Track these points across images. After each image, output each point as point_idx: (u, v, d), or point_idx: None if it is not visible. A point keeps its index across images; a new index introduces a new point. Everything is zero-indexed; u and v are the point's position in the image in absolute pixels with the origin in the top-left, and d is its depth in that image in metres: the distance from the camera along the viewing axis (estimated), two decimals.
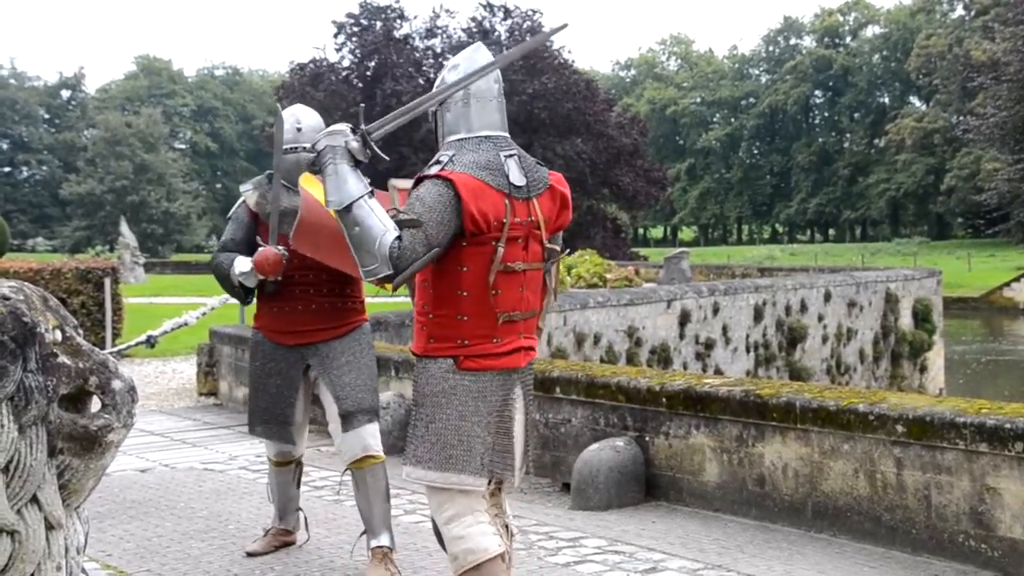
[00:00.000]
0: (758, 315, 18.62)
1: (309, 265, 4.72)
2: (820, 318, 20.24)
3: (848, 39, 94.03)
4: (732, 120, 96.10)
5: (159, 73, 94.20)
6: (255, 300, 5.05)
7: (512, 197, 3.44)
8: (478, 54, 3.63)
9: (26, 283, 2.35)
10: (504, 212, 3.40)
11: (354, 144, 3.45)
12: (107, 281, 14.18)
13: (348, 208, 3.35)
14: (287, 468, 5.18)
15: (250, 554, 5.14)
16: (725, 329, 17.87)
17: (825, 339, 20.35)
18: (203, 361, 11.08)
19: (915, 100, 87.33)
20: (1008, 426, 4.76)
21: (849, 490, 5.36)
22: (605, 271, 21.25)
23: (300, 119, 4.98)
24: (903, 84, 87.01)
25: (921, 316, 23.24)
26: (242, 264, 4.81)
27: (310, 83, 46.82)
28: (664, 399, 6.22)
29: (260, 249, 4.77)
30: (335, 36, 48.76)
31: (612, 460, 6.21)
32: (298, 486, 5.25)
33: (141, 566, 5.04)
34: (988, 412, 4.92)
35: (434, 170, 3.41)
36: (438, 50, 49.83)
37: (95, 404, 2.41)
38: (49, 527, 2.26)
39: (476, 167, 3.40)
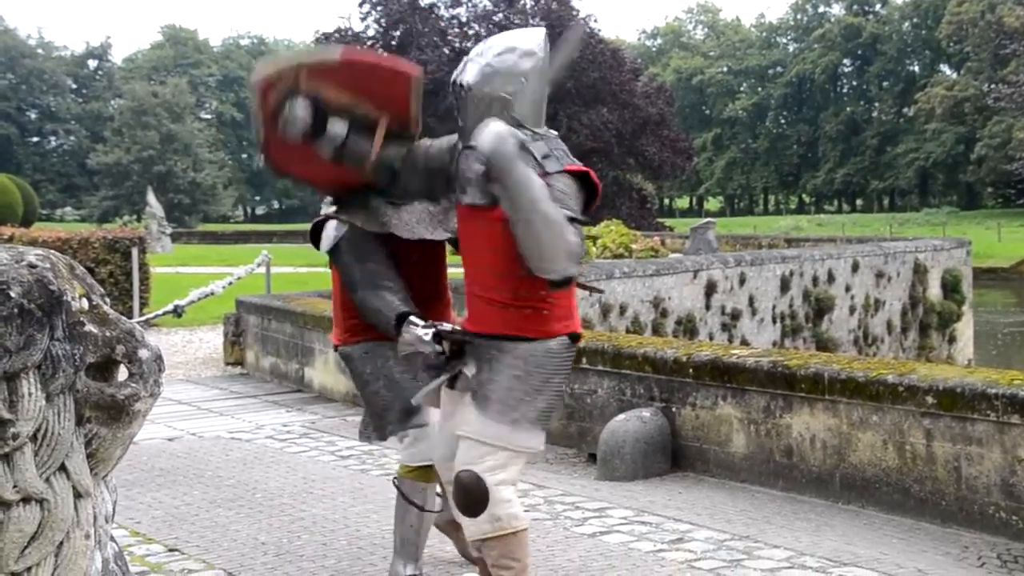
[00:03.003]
0: (785, 286, 18.51)
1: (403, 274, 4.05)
2: (847, 289, 20.10)
3: (878, 6, 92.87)
4: (759, 89, 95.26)
5: (185, 43, 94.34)
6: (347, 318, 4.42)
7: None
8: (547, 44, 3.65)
9: (52, 251, 2.34)
10: None
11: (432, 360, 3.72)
12: (134, 251, 14.27)
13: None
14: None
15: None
16: (751, 300, 17.78)
17: (852, 310, 20.22)
18: (229, 331, 11.13)
19: (946, 68, 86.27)
20: None
21: (878, 461, 5.32)
22: (631, 241, 21.16)
23: None
24: (933, 52, 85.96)
25: (950, 287, 23.04)
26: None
27: None
28: (691, 370, 6.19)
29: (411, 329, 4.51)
30: (360, 5, 48.60)
31: (638, 431, 6.19)
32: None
33: (169, 534, 5.08)
34: (1021, 383, 4.86)
35: (563, 164, 3.51)
36: (463, 19, 49.61)
37: (122, 373, 2.41)
38: (77, 495, 2.26)
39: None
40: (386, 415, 4.24)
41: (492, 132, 3.33)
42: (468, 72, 3.56)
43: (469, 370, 3.59)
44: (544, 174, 3.39)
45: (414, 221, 4.06)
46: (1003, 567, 4.58)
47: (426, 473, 4.13)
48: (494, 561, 3.50)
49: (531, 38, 3.61)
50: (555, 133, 3.67)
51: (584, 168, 3.52)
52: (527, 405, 3.49)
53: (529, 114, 3.56)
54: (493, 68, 3.51)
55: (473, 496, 3.48)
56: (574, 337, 3.62)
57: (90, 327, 2.29)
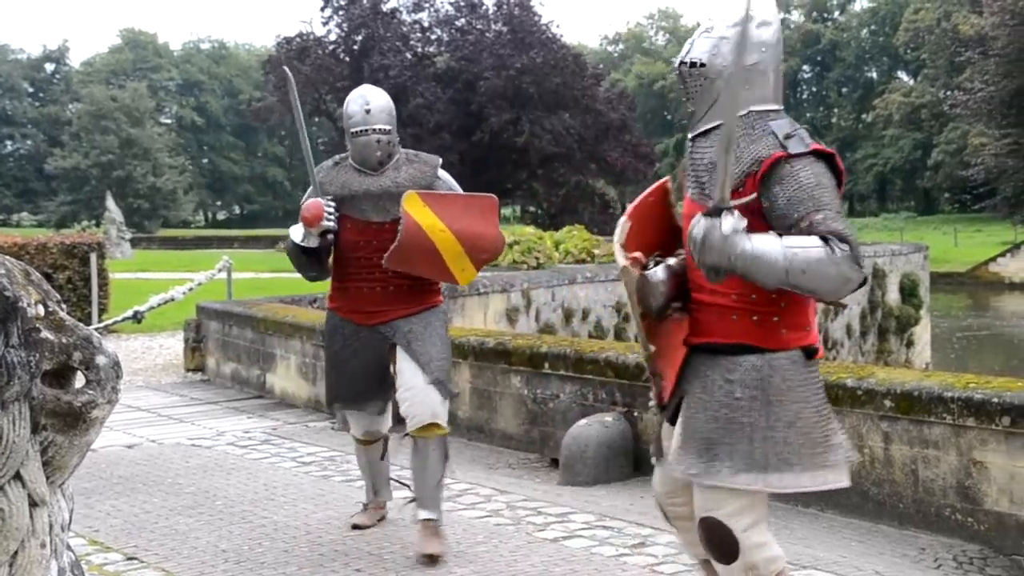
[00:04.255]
0: None
1: (386, 247, 4.69)
2: None
3: (836, 13, 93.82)
4: None
5: (144, 47, 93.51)
6: (331, 282, 5.04)
7: None
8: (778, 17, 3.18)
9: (8, 257, 2.31)
10: None
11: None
12: (93, 256, 14.12)
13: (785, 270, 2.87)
14: (375, 446, 5.13)
15: (355, 527, 5.11)
16: None
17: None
18: (190, 336, 11.05)
19: (903, 75, 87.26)
20: (995, 400, 4.77)
21: None
22: (593, 246, 21.22)
23: (369, 101, 4.92)
24: (891, 59, 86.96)
25: (908, 291, 23.31)
26: (296, 230, 4.84)
27: (297, 57, 46.50)
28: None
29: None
30: (322, 10, 48.38)
31: (600, 435, 6.21)
32: (382, 458, 5.18)
33: (128, 542, 5.03)
34: (975, 386, 4.93)
35: (802, 148, 2.97)
36: (426, 24, 49.53)
37: (79, 380, 2.39)
38: (33, 504, 2.24)
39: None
40: (329, 391, 5.08)
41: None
42: (697, 47, 3.15)
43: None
44: (787, 156, 2.95)
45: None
46: (959, 568, 4.64)
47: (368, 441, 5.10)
48: None
49: (765, 5, 3.13)
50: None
51: (829, 150, 3.03)
52: (775, 443, 2.99)
53: (772, 90, 3.11)
54: (729, 41, 3.07)
55: (723, 546, 3.08)
56: (809, 352, 3.08)
57: (46, 333, 2.27)
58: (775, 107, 3.09)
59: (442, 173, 5.00)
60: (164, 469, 6.61)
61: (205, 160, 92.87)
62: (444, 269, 4.72)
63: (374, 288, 4.84)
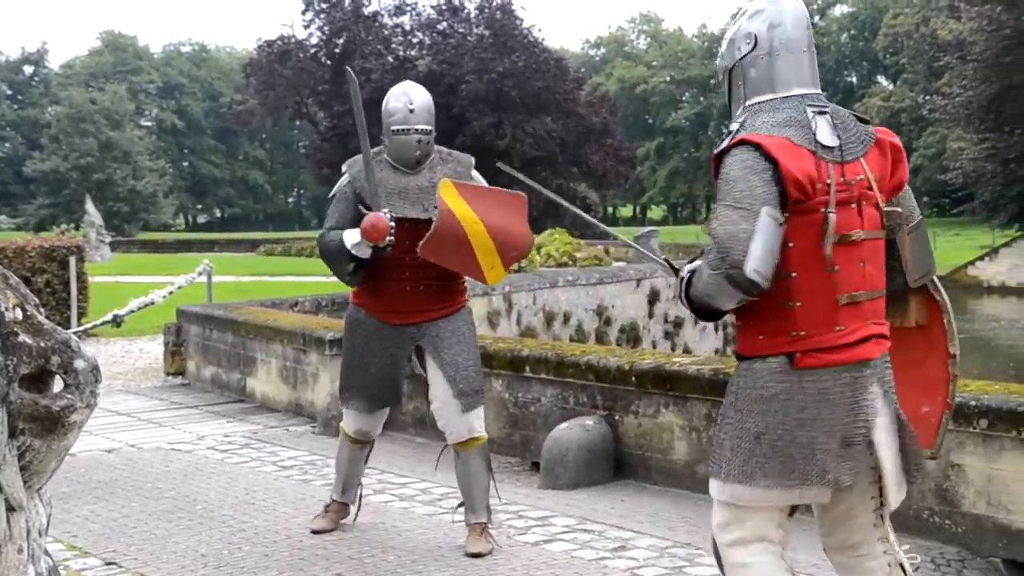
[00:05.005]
0: None
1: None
2: None
3: (816, 18, 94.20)
4: (701, 99, 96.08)
5: (124, 49, 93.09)
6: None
7: (822, 159, 2.86)
8: None
9: None
10: (823, 172, 2.84)
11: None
12: (72, 259, 14.04)
13: (686, 294, 3.00)
14: (363, 446, 5.15)
15: (315, 531, 5.12)
16: None
17: None
18: (170, 340, 11.00)
19: (882, 79, 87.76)
20: (973, 403, 4.80)
21: None
22: (575, 250, 21.26)
23: (412, 99, 4.92)
24: (871, 63, 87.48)
25: None
26: (351, 236, 4.76)
27: (278, 60, 46.50)
28: (633, 378, 6.23)
29: (366, 215, 4.72)
30: (303, 13, 48.42)
31: (581, 439, 6.21)
32: (365, 461, 5.24)
33: (107, 547, 5.01)
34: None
35: (725, 142, 2.93)
36: (407, 28, 49.58)
37: (58, 384, 2.38)
38: (10, 509, 2.23)
39: (773, 126, 2.88)
40: (342, 384, 5.09)
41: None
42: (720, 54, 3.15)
43: None
44: (718, 154, 2.94)
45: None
46: (937, 570, 4.67)
47: (358, 441, 5.11)
48: None
49: None
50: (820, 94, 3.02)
51: (754, 138, 2.86)
52: (744, 454, 2.90)
53: (780, 75, 2.98)
54: (728, 38, 3.10)
55: (716, 558, 3.07)
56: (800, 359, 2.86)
57: (24, 337, 2.26)
58: (769, 96, 2.99)
59: (475, 173, 5.01)
60: (143, 473, 6.58)
61: (185, 163, 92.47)
62: (474, 264, 4.67)
63: (404, 287, 4.84)
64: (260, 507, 5.70)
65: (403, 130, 4.87)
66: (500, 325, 14.96)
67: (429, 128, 4.92)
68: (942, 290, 3.20)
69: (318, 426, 7.98)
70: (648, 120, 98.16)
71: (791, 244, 2.83)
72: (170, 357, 11.02)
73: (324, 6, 47.71)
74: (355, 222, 4.81)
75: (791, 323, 2.86)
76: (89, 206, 36.05)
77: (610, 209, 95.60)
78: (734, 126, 2.98)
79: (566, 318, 16.08)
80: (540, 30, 60.65)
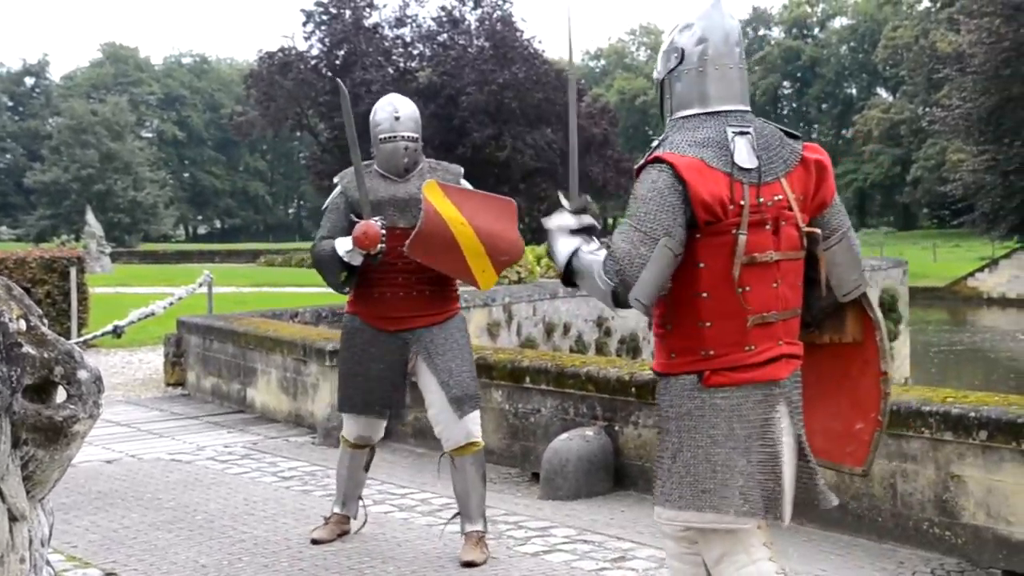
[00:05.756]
0: None
1: None
2: None
3: (816, 30, 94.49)
4: None
5: (125, 61, 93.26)
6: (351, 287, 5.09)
7: (737, 180, 2.87)
8: (716, 12, 3.04)
9: None
10: (737, 194, 2.85)
11: (565, 218, 3.18)
12: (72, 270, 14.05)
13: (568, 273, 3.04)
14: (362, 452, 5.20)
15: (315, 541, 5.15)
16: None
17: None
18: (170, 351, 11.01)
19: (882, 91, 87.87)
20: (972, 415, 4.81)
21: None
22: None
23: (398, 108, 5.05)
24: (870, 75, 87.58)
25: (887, 306, 23.42)
26: (343, 244, 4.86)
27: (279, 72, 46.51)
28: (633, 389, 6.24)
29: (358, 223, 4.81)
30: (304, 24, 48.42)
31: (581, 450, 6.22)
32: (366, 469, 5.28)
33: (107, 557, 5.01)
34: (953, 401, 4.97)
35: (645, 157, 2.97)
36: (408, 39, 49.62)
37: (60, 394, 2.39)
38: (12, 519, 2.23)
39: (692, 145, 2.89)
40: (340, 392, 5.15)
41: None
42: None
43: None
44: (638, 169, 2.96)
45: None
46: None
47: (357, 446, 5.17)
48: None
49: (693, 10, 3.11)
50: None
51: (670, 158, 2.87)
52: (667, 474, 2.93)
53: (706, 91, 3.00)
54: (662, 51, 3.13)
55: None
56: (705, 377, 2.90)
57: (28, 348, 2.27)
58: (694, 111, 3.00)
59: (464, 182, 5.07)
60: (143, 484, 6.58)
61: (186, 174, 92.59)
62: (465, 267, 4.73)
63: (397, 293, 4.91)
64: (260, 518, 5.70)
65: (390, 137, 4.99)
66: (500, 336, 14.96)
67: (415, 136, 5.04)
68: (876, 307, 3.22)
69: (318, 437, 7.98)
70: (648, 131, 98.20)
71: (702, 264, 2.87)
72: (170, 368, 11.02)
73: (325, 18, 47.77)
74: (347, 232, 4.91)
75: (701, 342, 2.89)
76: (90, 217, 36.07)
77: (610, 220, 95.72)
78: (655, 142, 3.02)
79: (566, 329, 16.09)
80: (540, 42, 60.69)
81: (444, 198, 4.67)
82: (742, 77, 3.04)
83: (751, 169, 2.90)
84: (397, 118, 5.01)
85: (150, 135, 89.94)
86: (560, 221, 3.15)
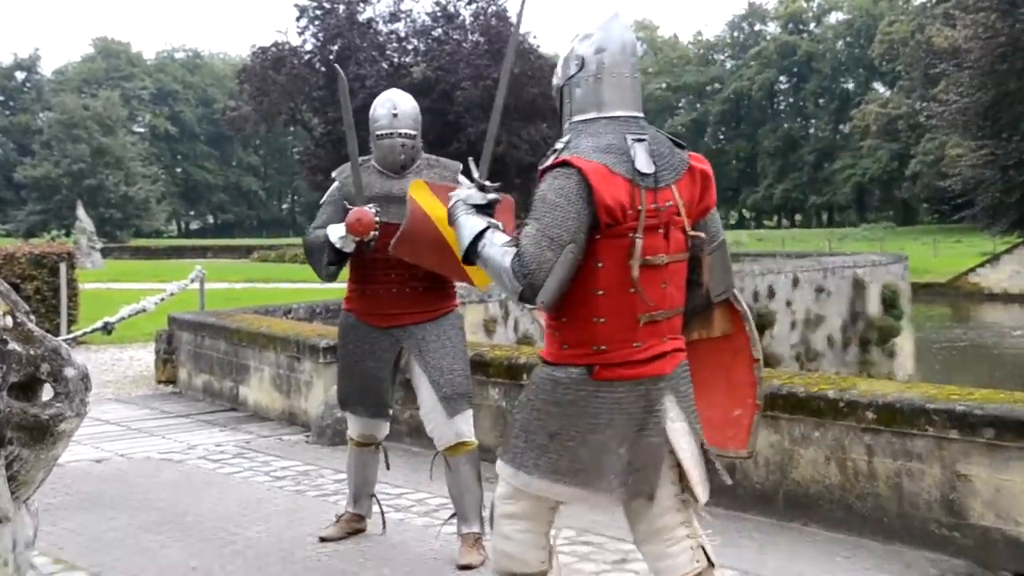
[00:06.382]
0: None
1: None
2: (788, 304, 20.35)
3: (812, 25, 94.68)
4: (697, 106, 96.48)
5: (117, 56, 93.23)
6: (347, 283, 5.08)
7: (637, 185, 3.05)
8: (614, 24, 3.25)
9: None
10: (636, 199, 3.03)
11: (472, 194, 3.40)
12: (62, 266, 13.98)
13: (469, 254, 3.21)
14: (369, 449, 5.18)
15: (323, 539, 5.14)
16: None
17: (794, 325, 20.47)
18: (161, 348, 10.94)
19: (879, 86, 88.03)
20: (978, 412, 4.75)
21: (820, 478, 5.34)
22: None
23: (396, 105, 5.03)
24: (867, 70, 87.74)
25: (889, 302, 23.43)
26: (336, 230, 4.85)
27: (272, 67, 46.43)
28: None
29: (351, 210, 4.80)
30: (297, 19, 48.31)
31: None
32: (387, 467, 5.29)
33: (95, 560, 4.94)
34: (958, 398, 4.91)
35: (550, 160, 3.13)
36: (402, 34, 49.53)
37: (47, 392, 2.33)
38: None
39: (596, 151, 3.06)
40: (339, 389, 5.12)
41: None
42: None
43: None
44: (542, 171, 3.12)
45: None
46: None
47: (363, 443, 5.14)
48: None
49: (596, 20, 3.33)
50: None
51: (576, 162, 3.04)
52: (538, 450, 3.16)
53: (604, 97, 3.19)
54: (562, 58, 3.34)
55: (490, 517, 3.41)
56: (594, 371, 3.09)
57: (14, 345, 2.22)
58: (592, 115, 3.18)
59: (463, 179, 4.99)
60: (133, 484, 6.52)
61: (179, 169, 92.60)
62: (456, 266, 4.58)
63: (390, 290, 4.89)
64: (252, 519, 5.64)
65: (388, 134, 4.98)
66: (496, 332, 14.91)
67: (414, 133, 5.02)
68: (743, 301, 3.43)
69: (312, 435, 7.92)
70: None
71: (600, 264, 3.04)
72: (161, 365, 10.96)
73: (319, 13, 47.68)
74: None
75: (594, 337, 3.07)
76: (80, 212, 35.99)
77: None
78: (559, 144, 3.19)
79: None
80: (535, 37, 60.73)
81: (432, 197, 4.63)
82: (635, 86, 3.24)
83: (649, 174, 3.09)
84: (395, 115, 4.99)
85: (142, 130, 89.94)
86: (465, 195, 3.37)
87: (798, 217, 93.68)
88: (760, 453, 5.56)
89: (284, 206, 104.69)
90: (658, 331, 3.12)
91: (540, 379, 3.18)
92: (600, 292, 3.05)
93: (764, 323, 19.34)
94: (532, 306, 3.09)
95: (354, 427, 5.15)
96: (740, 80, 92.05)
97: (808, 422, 5.36)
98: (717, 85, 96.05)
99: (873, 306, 23.05)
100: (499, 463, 3.28)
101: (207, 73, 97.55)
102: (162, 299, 12.75)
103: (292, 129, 65.28)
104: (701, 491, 3.24)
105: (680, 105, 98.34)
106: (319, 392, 8.08)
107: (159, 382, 10.92)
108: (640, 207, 3.03)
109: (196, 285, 13.13)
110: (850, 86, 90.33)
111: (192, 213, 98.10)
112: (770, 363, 18.55)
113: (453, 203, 3.36)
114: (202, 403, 9.80)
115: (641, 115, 3.22)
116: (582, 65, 3.22)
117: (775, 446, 5.51)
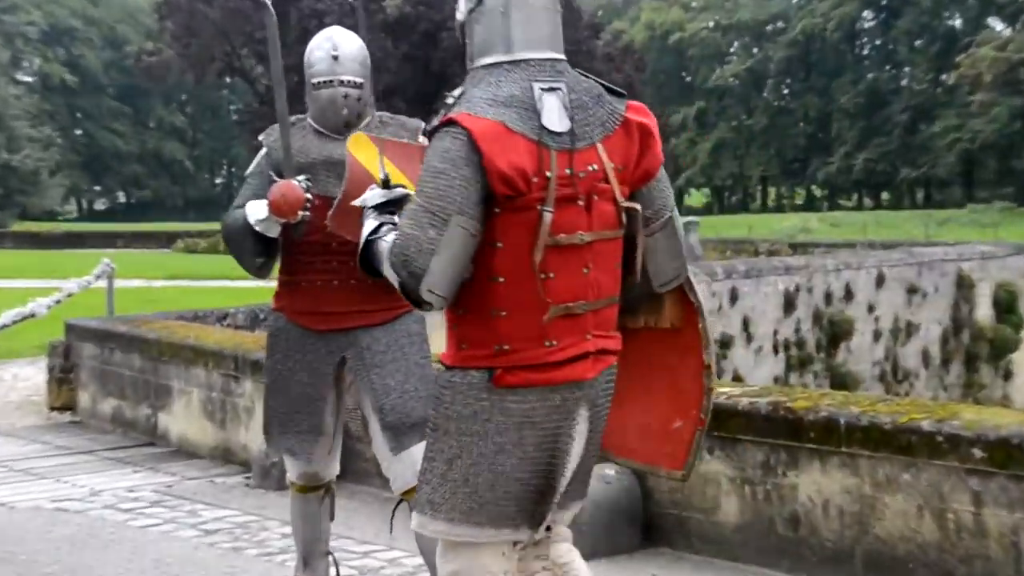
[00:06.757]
0: (789, 304, 18.72)
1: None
2: (871, 309, 20.37)
3: None
4: (755, 51, 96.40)
5: None
6: (278, 275, 5.01)
7: (545, 146, 3.09)
8: None
9: None
10: (545, 163, 3.07)
11: (369, 195, 3.49)
12: None
13: (362, 263, 3.32)
14: (315, 495, 5.06)
15: None
16: (746, 322, 17.95)
17: (877, 336, 20.48)
18: (56, 365, 10.97)
19: (995, 22, 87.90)
20: None
21: (911, 534, 5.37)
22: None
23: (337, 45, 4.96)
24: (980, 2, 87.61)
25: (1005, 306, 23.44)
26: (256, 209, 4.77)
27: None
28: None
29: (275, 184, 4.72)
30: None
31: (600, 494, 6.18)
32: (331, 518, 5.16)
33: None
34: None
35: (438, 118, 3.16)
36: None
37: None
38: None
39: (491, 103, 3.09)
40: (265, 416, 5.03)
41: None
42: None
43: None
44: (430, 132, 3.18)
45: None
46: None
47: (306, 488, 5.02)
48: None
49: None
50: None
51: (464, 121, 3.07)
52: (438, 481, 3.20)
53: (509, 34, 3.24)
54: None
55: None
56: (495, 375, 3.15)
57: None
58: (494, 59, 3.22)
59: (424, 140, 4.92)
60: (16, 542, 6.55)
61: (79, 131, 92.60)
62: None
63: (330, 282, 4.80)
64: None
65: (326, 82, 4.90)
66: None
67: (360, 81, 4.93)
68: (698, 291, 3.47)
69: (253, 477, 7.95)
70: (686, 78, 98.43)
71: (499, 244, 3.07)
72: (56, 387, 10.99)
73: None
74: None
75: (495, 335, 3.12)
76: None
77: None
78: (450, 98, 3.23)
79: None
80: None
81: (379, 154, 4.48)
82: (553, 20, 3.29)
83: (562, 133, 3.13)
84: (336, 57, 4.90)
85: (29, 79, 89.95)
86: (363, 198, 3.49)
87: (885, 195, 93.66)
88: (832, 501, 5.59)
89: (218, 180, 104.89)
90: (579, 327, 3.14)
91: (440, 389, 3.23)
92: (500, 279, 3.08)
93: (839, 333, 19.37)
94: (429, 303, 3.06)
95: (292, 467, 5.02)
96: (810, 17, 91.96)
97: (896, 461, 5.39)
98: (780, 24, 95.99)
99: (983, 311, 23.07)
100: (412, 513, 3.31)
101: (115, 6, 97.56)
102: (57, 301, 12.78)
103: (228, 81, 65.33)
104: (569, 517, 3.46)
105: (732, 50, 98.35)
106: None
107: (52, 408, 10.96)
108: (549, 173, 3.06)
109: (103, 283, 13.16)
110: (957, 23, 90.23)
111: (97, 189, 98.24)
112: (846, 385, 18.60)
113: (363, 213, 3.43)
114: (110, 436, 9.84)
115: (560, 57, 3.27)
116: None
117: (852, 492, 5.54)
